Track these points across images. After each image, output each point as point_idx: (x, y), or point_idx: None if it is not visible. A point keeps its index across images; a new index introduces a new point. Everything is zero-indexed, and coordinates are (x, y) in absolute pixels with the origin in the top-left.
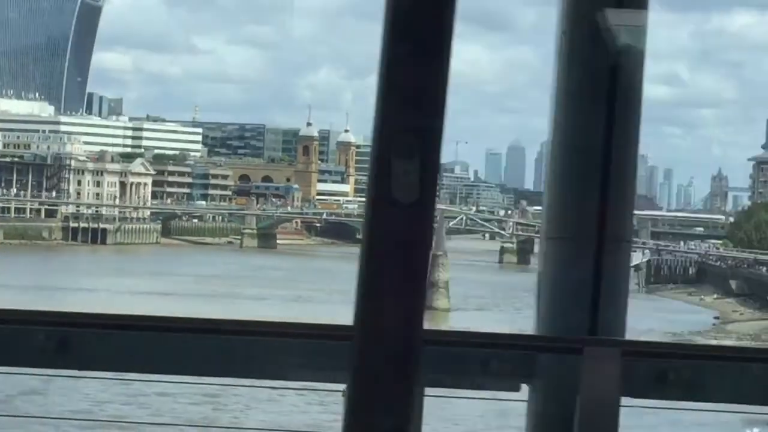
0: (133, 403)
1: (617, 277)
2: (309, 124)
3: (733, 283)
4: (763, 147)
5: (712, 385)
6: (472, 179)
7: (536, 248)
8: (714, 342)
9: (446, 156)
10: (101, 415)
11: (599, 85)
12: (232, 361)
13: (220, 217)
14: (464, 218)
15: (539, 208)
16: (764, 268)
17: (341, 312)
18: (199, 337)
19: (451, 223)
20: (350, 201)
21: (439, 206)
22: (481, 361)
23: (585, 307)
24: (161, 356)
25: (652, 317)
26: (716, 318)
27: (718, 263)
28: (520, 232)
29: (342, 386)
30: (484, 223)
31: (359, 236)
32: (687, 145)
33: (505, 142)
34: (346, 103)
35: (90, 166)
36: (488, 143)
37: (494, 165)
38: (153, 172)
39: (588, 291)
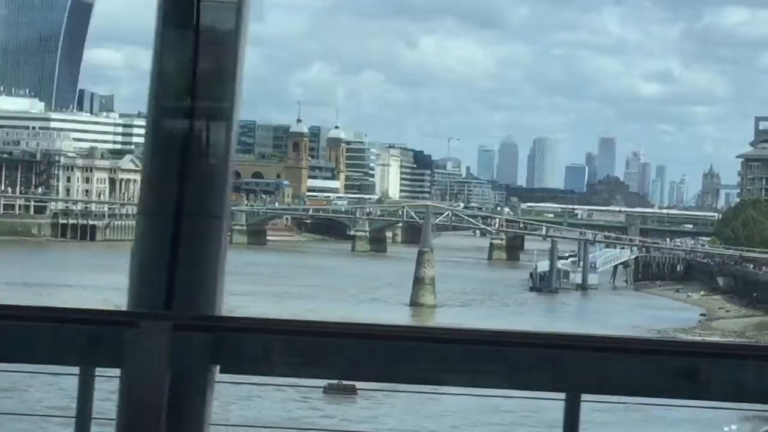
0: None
1: (204, 251)
2: (299, 121)
3: (720, 280)
4: (751, 144)
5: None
6: (463, 175)
7: (526, 245)
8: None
9: (438, 152)
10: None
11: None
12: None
13: None
14: (450, 214)
15: (532, 204)
16: (751, 265)
17: (326, 308)
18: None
19: (437, 220)
20: (341, 197)
21: (425, 202)
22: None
23: (165, 281)
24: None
25: (638, 314)
26: (702, 315)
27: (706, 260)
28: (506, 229)
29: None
30: (471, 220)
31: (350, 232)
32: (680, 142)
33: (498, 139)
34: (338, 99)
35: (79, 162)
36: (481, 140)
37: (487, 161)
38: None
39: (169, 265)
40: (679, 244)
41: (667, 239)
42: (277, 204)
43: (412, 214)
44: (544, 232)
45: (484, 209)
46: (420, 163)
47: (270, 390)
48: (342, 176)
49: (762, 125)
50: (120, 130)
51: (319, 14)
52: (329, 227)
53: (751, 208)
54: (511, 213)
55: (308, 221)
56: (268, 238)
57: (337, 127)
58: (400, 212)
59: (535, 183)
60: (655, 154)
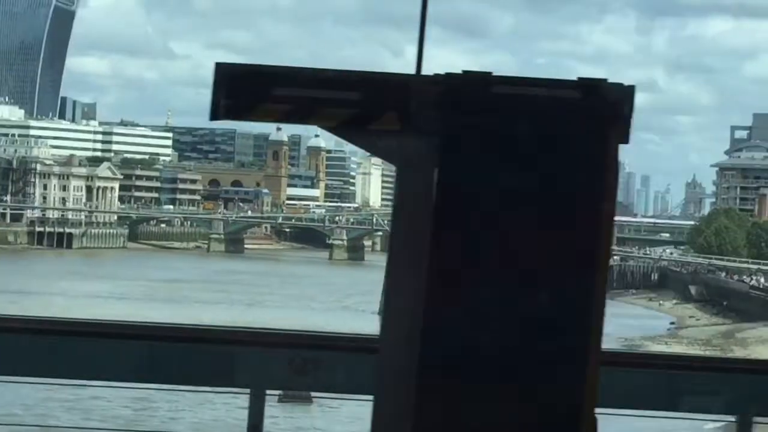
0: (70, 408)
1: None
2: (279, 129)
3: (692, 289)
4: (726, 153)
5: None
6: None
7: None
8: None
9: None
10: (29, 420)
11: None
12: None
13: (189, 222)
14: None
15: None
16: (723, 273)
17: (296, 316)
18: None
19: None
20: (320, 206)
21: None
22: None
23: None
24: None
25: (611, 322)
26: (672, 323)
27: (680, 269)
28: None
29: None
30: None
31: (329, 241)
32: (664, 151)
33: None
34: None
35: (56, 170)
36: None
37: None
38: (120, 177)
39: None
40: (648, 252)
41: (636, 248)
42: (249, 212)
43: (382, 222)
44: None
45: None
46: None
47: (227, 397)
48: (322, 185)
49: (738, 134)
50: (100, 137)
51: (304, 22)
52: (309, 236)
53: (724, 216)
54: None
55: (288, 230)
56: (246, 246)
57: (317, 136)
58: (375, 220)
59: None
60: (640, 163)
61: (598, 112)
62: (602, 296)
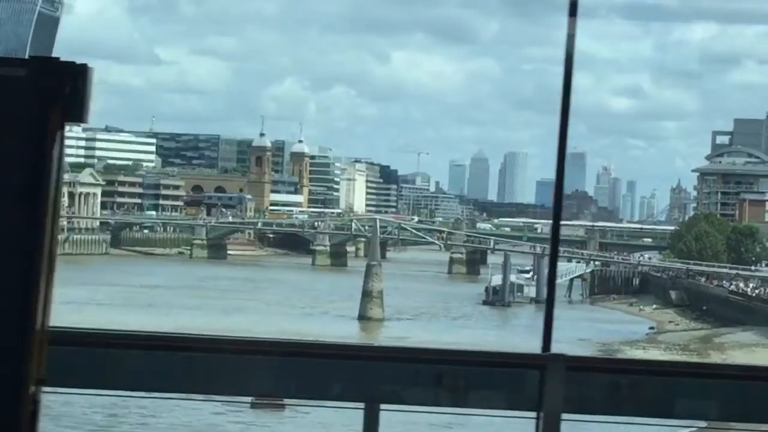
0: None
1: None
2: (262, 135)
3: (672, 294)
4: (707, 158)
5: None
6: (432, 190)
7: (489, 259)
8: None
9: (408, 167)
10: None
11: None
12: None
13: (171, 228)
14: (398, 228)
15: (506, 219)
16: (703, 279)
17: (274, 322)
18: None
19: (384, 234)
20: (303, 211)
21: (373, 216)
22: None
23: None
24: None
25: (590, 327)
26: (651, 328)
27: (660, 274)
28: (453, 243)
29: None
30: (419, 233)
31: (312, 247)
32: (650, 157)
33: (469, 153)
34: (310, 113)
35: None
36: (452, 154)
37: (458, 176)
38: (102, 183)
39: None
40: (627, 258)
41: (614, 253)
42: (230, 218)
43: (360, 227)
44: (491, 245)
45: (450, 223)
46: (387, 177)
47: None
48: (305, 190)
49: (719, 139)
50: (83, 144)
51: (291, 28)
52: (293, 241)
53: (704, 221)
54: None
55: (271, 236)
56: (229, 252)
57: (300, 141)
58: (353, 226)
59: (505, 197)
60: (626, 168)
61: (42, 90)
62: (42, 285)
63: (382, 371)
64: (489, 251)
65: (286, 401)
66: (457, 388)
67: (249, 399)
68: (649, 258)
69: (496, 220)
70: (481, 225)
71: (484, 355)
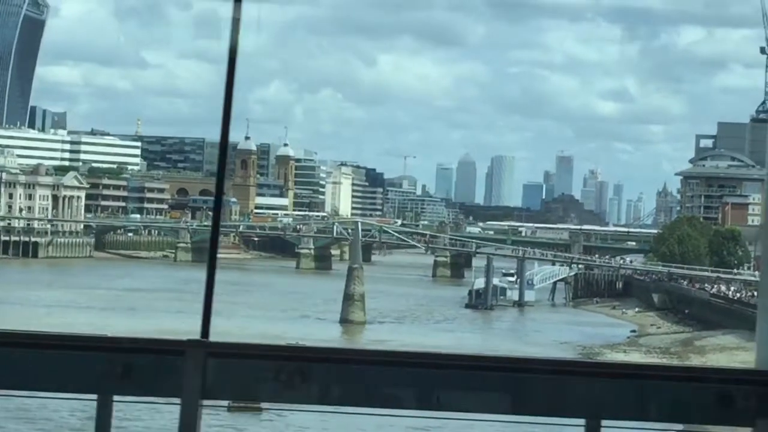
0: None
1: None
2: (247, 138)
3: (655, 297)
4: (690, 161)
5: None
6: (419, 193)
7: (475, 263)
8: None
9: (395, 171)
10: None
11: None
12: None
13: (156, 231)
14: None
15: (494, 222)
16: (685, 282)
17: (254, 325)
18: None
19: (366, 237)
20: (287, 214)
21: (355, 219)
22: None
23: None
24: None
25: (569, 330)
26: (632, 331)
27: (643, 277)
28: (434, 246)
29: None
30: (400, 236)
31: (297, 250)
32: (637, 161)
33: (457, 157)
34: (296, 117)
35: (21, 179)
36: (439, 158)
37: (445, 179)
38: (86, 186)
39: None
40: (608, 261)
41: (596, 256)
42: (207, 222)
43: (342, 230)
44: (473, 248)
45: (435, 227)
46: (373, 181)
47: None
48: (291, 194)
49: (703, 143)
50: (68, 147)
51: (277, 32)
52: (278, 245)
53: (687, 225)
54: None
55: (256, 239)
56: None
57: (286, 145)
58: (336, 230)
59: (492, 201)
60: (613, 172)
61: None
62: None
63: None
64: (472, 255)
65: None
66: None
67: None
68: (630, 261)
69: (480, 224)
70: (471, 229)
71: None
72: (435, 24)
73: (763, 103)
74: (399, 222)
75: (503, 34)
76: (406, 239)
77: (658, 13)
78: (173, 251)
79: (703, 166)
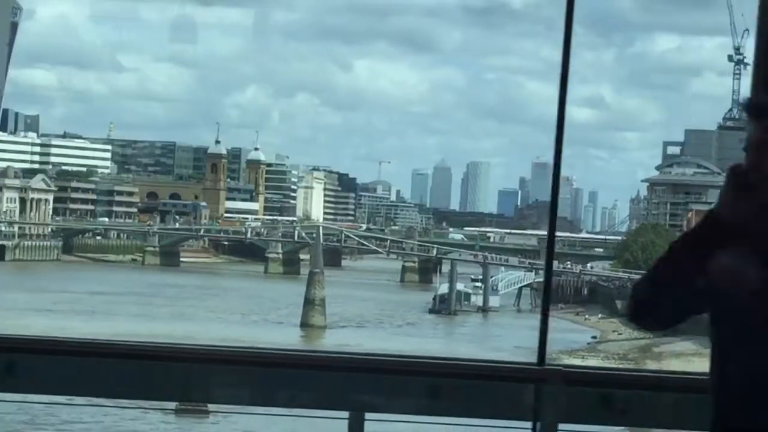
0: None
1: None
2: (217, 142)
3: (618, 303)
4: (657, 168)
5: None
6: (393, 199)
7: (445, 268)
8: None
9: (370, 176)
10: None
11: None
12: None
13: (125, 235)
14: (342, 236)
15: (471, 228)
16: None
17: (215, 329)
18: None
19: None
20: (257, 219)
21: (317, 223)
22: None
23: None
24: None
25: (531, 336)
26: (593, 337)
27: (607, 284)
28: (396, 251)
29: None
30: (363, 241)
31: (266, 254)
32: (612, 168)
33: (432, 162)
34: (273, 122)
35: None
36: (415, 163)
37: (420, 185)
38: (55, 189)
39: None
40: (569, 267)
41: (568, 263)
42: (177, 225)
43: (303, 234)
44: (434, 254)
45: (403, 232)
46: (345, 186)
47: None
48: (261, 198)
49: (670, 150)
50: (38, 150)
51: (253, 36)
52: (248, 249)
53: (651, 231)
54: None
55: (226, 243)
56: (182, 259)
57: (256, 149)
58: (296, 234)
59: (468, 207)
60: (588, 179)
61: None
62: None
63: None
64: (435, 261)
65: (211, 407)
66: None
67: (173, 405)
68: (591, 267)
69: (452, 229)
70: (454, 235)
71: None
72: (411, 30)
73: (730, 110)
74: (364, 227)
75: (479, 40)
76: (367, 244)
77: (633, 20)
78: (142, 255)
79: (670, 173)
